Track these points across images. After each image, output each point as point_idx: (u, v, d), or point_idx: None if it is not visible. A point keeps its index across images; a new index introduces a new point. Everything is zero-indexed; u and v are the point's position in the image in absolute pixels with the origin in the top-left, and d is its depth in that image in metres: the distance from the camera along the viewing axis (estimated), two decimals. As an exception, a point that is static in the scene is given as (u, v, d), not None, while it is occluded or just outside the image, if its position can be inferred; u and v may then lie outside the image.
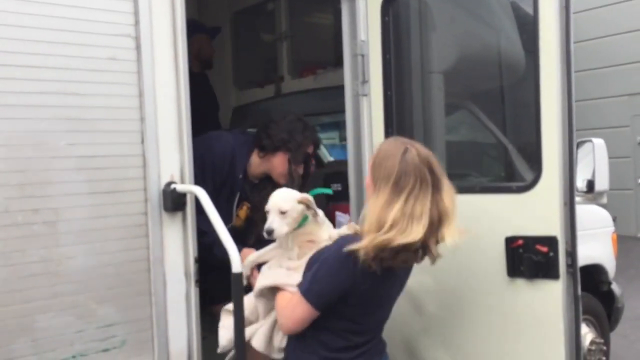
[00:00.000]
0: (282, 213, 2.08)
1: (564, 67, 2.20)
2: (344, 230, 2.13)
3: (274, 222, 2.09)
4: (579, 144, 3.72)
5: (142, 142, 2.13)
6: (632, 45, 12.13)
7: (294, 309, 1.95)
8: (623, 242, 7.79)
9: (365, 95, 2.76)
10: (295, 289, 1.97)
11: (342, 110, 2.84)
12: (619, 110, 12.36)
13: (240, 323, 1.95)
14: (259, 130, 2.94)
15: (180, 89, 2.22)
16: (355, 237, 1.91)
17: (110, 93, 2.07)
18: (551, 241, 2.17)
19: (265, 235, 2.11)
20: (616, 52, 12.34)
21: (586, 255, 4.28)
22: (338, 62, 3.11)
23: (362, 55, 2.72)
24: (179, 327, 2.20)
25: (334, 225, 3.13)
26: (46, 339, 1.91)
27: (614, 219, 13.34)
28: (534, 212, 2.23)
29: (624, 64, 12.26)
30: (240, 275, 1.93)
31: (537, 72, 2.24)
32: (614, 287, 4.52)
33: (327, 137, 6.24)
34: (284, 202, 2.11)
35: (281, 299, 2.02)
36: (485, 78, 2.91)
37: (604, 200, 3.61)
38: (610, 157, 12.01)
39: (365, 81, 2.75)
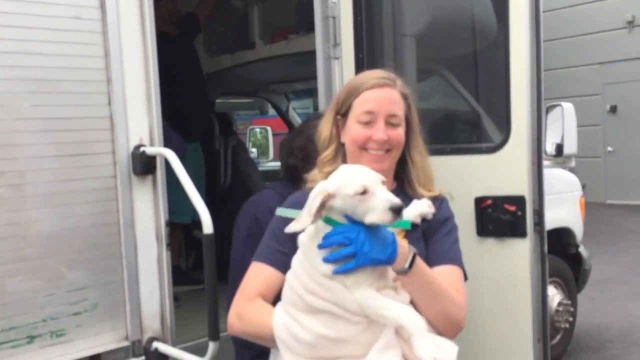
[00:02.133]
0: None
1: (533, 32, 2.23)
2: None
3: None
4: (549, 109, 3.76)
5: (109, 104, 2.09)
6: (604, 14, 12.24)
7: (461, 287, 1.63)
8: (592, 209, 7.98)
9: (337, 58, 2.74)
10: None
11: (315, 77, 2.81)
12: (590, 79, 12.53)
13: (212, 289, 1.95)
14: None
15: (147, 50, 2.17)
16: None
17: (74, 53, 2.02)
18: (519, 200, 2.21)
19: (391, 215, 1.40)
20: (588, 20, 12.45)
21: (555, 218, 4.36)
22: (310, 27, 3.06)
23: (333, 17, 2.69)
24: (151, 290, 2.19)
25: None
26: (15, 303, 1.89)
27: (584, 186, 13.62)
28: (503, 172, 2.26)
29: (595, 33, 12.38)
30: (211, 236, 1.93)
31: (507, 38, 2.28)
32: (582, 250, 4.62)
33: (301, 106, 6.20)
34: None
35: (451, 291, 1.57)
36: (457, 42, 2.90)
37: (572, 164, 3.67)
38: (580, 125, 12.17)
39: (336, 44, 2.72)
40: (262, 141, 5.97)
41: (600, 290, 5.98)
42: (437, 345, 1.39)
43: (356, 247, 1.38)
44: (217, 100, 5.19)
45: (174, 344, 2.25)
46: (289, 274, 1.53)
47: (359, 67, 2.65)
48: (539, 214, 2.22)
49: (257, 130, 6.04)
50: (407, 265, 1.45)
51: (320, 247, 1.44)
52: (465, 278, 1.70)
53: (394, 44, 2.89)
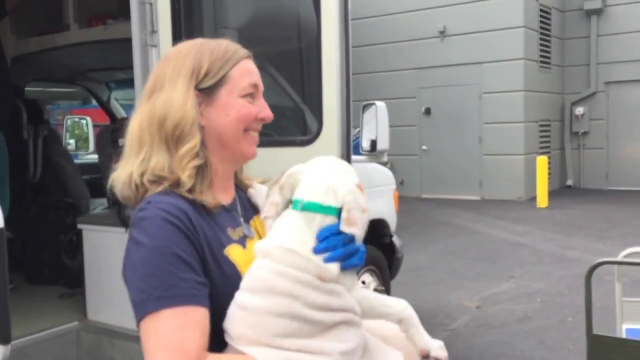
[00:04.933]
0: None
1: (343, 38, 2.36)
2: None
3: None
4: (366, 107, 3.99)
5: None
6: (420, 23, 13.26)
7: None
8: (409, 203, 8.65)
9: (155, 46, 2.65)
10: None
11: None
12: (408, 82, 13.50)
13: (2, 289, 1.79)
14: None
15: None
16: None
17: None
18: (330, 191, 2.32)
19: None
20: (407, 28, 13.42)
21: (371, 210, 4.65)
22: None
23: (150, 4, 2.61)
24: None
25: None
26: None
27: (402, 182, 14.66)
28: (316, 164, 2.35)
29: (413, 40, 13.37)
30: (2, 230, 1.76)
31: (319, 41, 2.38)
32: (395, 239, 4.96)
33: (125, 97, 5.92)
34: None
35: None
36: (277, 39, 2.97)
37: (385, 158, 3.93)
38: (399, 125, 13.12)
39: (154, 31, 2.64)
40: (80, 132, 5.60)
41: (413, 277, 6.49)
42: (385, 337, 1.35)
43: (358, 246, 1.22)
44: (37, 89, 4.77)
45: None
46: (261, 302, 1.14)
47: (177, 57, 2.60)
48: (348, 203, 2.34)
49: (75, 120, 5.66)
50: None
51: (319, 250, 1.18)
52: None
53: (216, 35, 2.88)
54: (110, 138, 3.76)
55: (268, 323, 1.13)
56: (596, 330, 2.85)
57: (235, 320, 1.16)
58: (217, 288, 1.20)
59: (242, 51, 1.35)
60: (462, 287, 6.13)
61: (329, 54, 2.35)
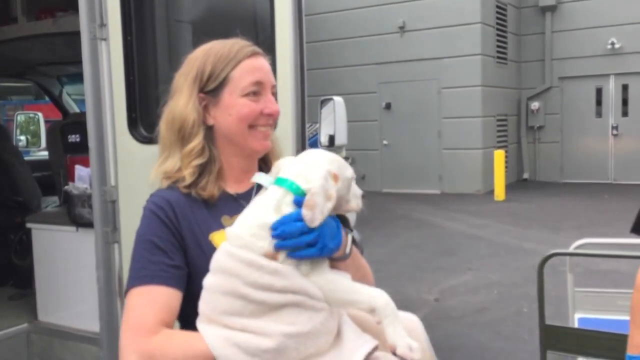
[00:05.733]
0: None
1: (297, 33, 2.35)
2: None
3: None
4: (324, 102, 3.98)
5: None
6: (380, 18, 13.33)
7: None
8: (370, 197, 8.70)
9: (104, 39, 2.59)
10: None
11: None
12: (369, 77, 13.56)
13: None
14: None
15: None
16: None
17: None
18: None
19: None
20: (368, 23, 13.46)
21: (330, 206, 4.66)
22: (81, 6, 2.86)
23: (99, -4, 2.54)
24: None
25: (74, 180, 2.93)
26: None
27: (363, 177, 14.71)
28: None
29: (373, 35, 13.43)
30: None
31: (273, 38, 2.37)
32: (355, 234, 4.97)
33: (77, 92, 5.77)
34: None
35: None
36: (232, 33, 2.93)
37: (343, 153, 3.92)
38: (360, 120, 13.15)
39: (103, 24, 2.57)
40: (31, 128, 5.44)
41: (374, 271, 6.48)
42: (407, 329, 1.25)
43: (317, 236, 1.18)
44: None
45: None
46: (213, 280, 1.21)
47: (128, 50, 2.54)
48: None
49: (26, 116, 5.48)
50: (347, 250, 1.31)
51: (276, 235, 1.18)
52: None
53: (168, 28, 2.82)
54: (60, 134, 3.65)
55: (216, 300, 1.19)
56: (551, 320, 2.91)
57: (200, 299, 1.24)
58: (199, 270, 1.28)
59: (247, 50, 1.40)
60: (421, 280, 6.20)
61: (283, 49, 2.33)
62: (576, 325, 3.50)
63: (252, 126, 1.39)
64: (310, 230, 1.18)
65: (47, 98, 6.50)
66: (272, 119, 1.43)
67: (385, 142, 13.53)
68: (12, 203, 3.82)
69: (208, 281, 1.22)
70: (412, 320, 1.44)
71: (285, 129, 2.32)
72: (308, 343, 1.17)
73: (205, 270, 1.25)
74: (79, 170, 2.78)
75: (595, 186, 13.10)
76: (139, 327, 1.22)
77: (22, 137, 5.35)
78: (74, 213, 2.80)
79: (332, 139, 3.82)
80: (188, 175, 1.36)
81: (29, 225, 3.19)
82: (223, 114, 1.39)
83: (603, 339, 2.73)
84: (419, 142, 13.14)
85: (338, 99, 3.78)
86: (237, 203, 1.40)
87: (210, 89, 1.39)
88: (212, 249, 1.29)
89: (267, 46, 2.44)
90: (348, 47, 13.63)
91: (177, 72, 1.44)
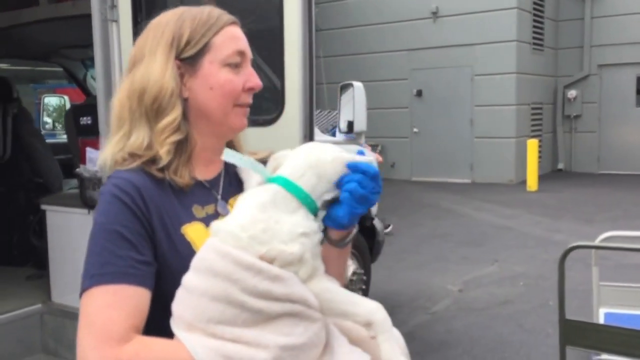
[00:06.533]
0: None
1: (306, 19, 2.32)
2: None
3: None
4: (344, 87, 3.91)
5: None
6: (412, 3, 13.11)
7: None
8: (399, 186, 8.60)
9: (115, 20, 2.57)
10: None
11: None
12: (400, 64, 13.37)
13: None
14: None
15: None
16: None
17: None
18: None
19: None
20: (399, 9, 13.26)
21: (351, 193, 4.58)
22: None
23: (110, -23, 2.52)
24: None
25: (85, 162, 2.92)
26: None
27: (393, 165, 14.59)
28: (277, 143, 2.28)
29: (405, 21, 13.23)
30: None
31: (281, 24, 2.34)
32: (376, 222, 4.90)
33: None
34: None
35: None
36: (241, 18, 2.89)
37: (362, 140, 3.85)
38: (390, 108, 13.04)
39: (114, 5, 2.55)
40: (57, 111, 5.49)
41: (396, 260, 6.45)
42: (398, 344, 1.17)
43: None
44: (28, 68, 4.66)
45: None
46: (198, 282, 1.06)
47: (138, 32, 2.50)
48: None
49: (53, 99, 5.53)
50: (349, 238, 1.19)
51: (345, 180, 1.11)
52: None
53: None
54: (73, 116, 3.67)
55: (203, 306, 1.04)
56: (576, 315, 2.80)
57: (178, 301, 1.08)
58: (169, 266, 1.14)
59: (227, 17, 1.25)
60: (445, 270, 6.10)
61: (292, 35, 2.29)
62: (601, 320, 3.38)
63: (235, 104, 1.24)
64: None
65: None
66: (252, 93, 1.28)
67: (415, 129, 13.35)
68: (32, 185, 3.86)
69: (191, 282, 1.07)
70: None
71: (293, 114, 2.27)
72: (302, 356, 1.06)
73: (176, 267, 1.12)
74: (90, 152, 2.77)
75: (633, 178, 12.71)
76: (106, 334, 1.03)
77: (49, 120, 5.41)
78: (85, 195, 2.80)
79: (350, 125, 3.74)
80: (164, 153, 1.17)
81: (43, 207, 3.21)
82: (201, 85, 1.22)
83: (626, 335, 2.62)
84: (450, 130, 12.93)
85: (357, 84, 3.70)
86: (206, 190, 1.27)
87: (188, 55, 1.20)
88: (185, 243, 1.17)
89: (276, 32, 2.39)
90: (380, 33, 13.45)
91: (138, 38, 1.25)
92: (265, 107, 2.49)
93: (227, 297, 1.03)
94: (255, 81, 1.26)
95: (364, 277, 4.57)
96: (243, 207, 1.12)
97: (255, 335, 1.03)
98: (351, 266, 4.47)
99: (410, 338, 4.43)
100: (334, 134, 4.16)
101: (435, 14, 12.81)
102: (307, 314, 1.07)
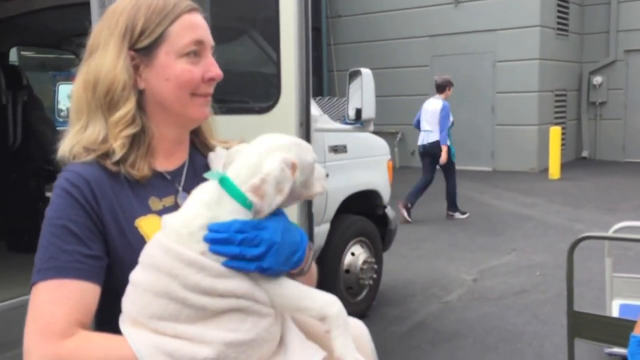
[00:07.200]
0: None
1: (302, 6, 2.29)
2: None
3: None
4: (353, 74, 3.83)
5: None
6: (432, -12, 12.89)
7: None
8: (419, 173, 8.50)
9: (115, 7, 2.56)
10: None
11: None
12: (421, 51, 13.20)
13: None
14: None
15: None
16: None
17: None
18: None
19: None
20: (418, -6, 13.05)
21: (363, 181, 4.54)
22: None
23: (108, -38, 2.50)
24: None
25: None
26: None
27: (412, 153, 14.33)
28: (273, 131, 2.25)
29: (425, 7, 13.03)
30: None
31: (277, 9, 2.32)
32: (388, 211, 4.85)
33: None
34: None
35: None
36: (239, 5, 2.86)
37: (371, 128, 3.78)
38: (411, 95, 12.83)
39: (114, -8, 2.54)
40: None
41: (411, 249, 6.40)
42: (354, 337, 1.12)
43: (266, 248, 1.04)
44: (49, 55, 4.68)
45: None
46: (143, 277, 1.05)
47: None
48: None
49: (66, 86, 5.56)
50: (306, 268, 1.13)
51: (210, 240, 1.03)
52: None
53: None
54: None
55: (146, 302, 1.02)
56: (593, 306, 2.74)
57: (125, 296, 1.07)
58: (122, 261, 1.12)
59: (184, 4, 1.20)
60: (461, 259, 6.03)
61: (288, 22, 2.27)
62: (615, 312, 3.30)
63: (193, 94, 1.20)
64: (258, 242, 1.02)
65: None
66: (212, 84, 1.24)
67: (436, 117, 13.17)
68: (43, 172, 3.89)
69: (137, 277, 1.05)
70: (358, 326, 1.29)
71: (289, 101, 2.24)
72: (249, 352, 1.04)
73: (129, 261, 1.09)
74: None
75: (659, 166, 12.43)
76: (47, 329, 1.03)
77: (63, 107, 5.43)
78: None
79: (359, 112, 3.67)
80: (118, 147, 1.15)
81: (48, 194, 3.23)
82: (157, 77, 1.18)
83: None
84: (471, 118, 12.73)
85: (365, 71, 3.63)
86: (167, 182, 1.24)
87: (143, 46, 1.17)
88: (138, 236, 1.14)
89: (272, 20, 2.36)
90: (400, 19, 13.29)
91: (96, 26, 1.22)
92: (261, 95, 2.47)
93: (168, 292, 1.01)
94: (216, 71, 1.21)
95: (375, 266, 4.53)
96: (191, 201, 1.10)
97: (198, 332, 1.01)
98: (361, 255, 4.43)
99: (422, 327, 4.41)
100: (346, 122, 4.09)
101: (456, 0, 12.60)
102: (254, 309, 1.04)
